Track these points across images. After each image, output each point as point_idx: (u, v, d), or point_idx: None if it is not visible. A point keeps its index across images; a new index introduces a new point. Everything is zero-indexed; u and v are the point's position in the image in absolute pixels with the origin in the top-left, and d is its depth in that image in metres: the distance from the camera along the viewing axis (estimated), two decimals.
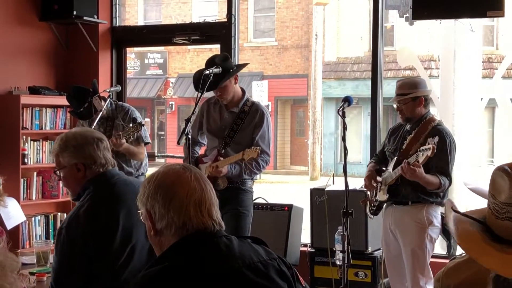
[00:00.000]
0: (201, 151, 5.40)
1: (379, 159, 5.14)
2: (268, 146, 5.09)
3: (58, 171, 3.21)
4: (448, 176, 4.73)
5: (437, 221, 4.83)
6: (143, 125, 5.32)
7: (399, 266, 4.93)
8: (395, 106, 4.95)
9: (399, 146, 4.92)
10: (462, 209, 1.88)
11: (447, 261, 5.45)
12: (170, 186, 2.20)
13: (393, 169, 4.81)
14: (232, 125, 5.10)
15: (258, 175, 5.21)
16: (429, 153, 4.48)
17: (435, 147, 4.49)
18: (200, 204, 2.19)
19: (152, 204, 2.20)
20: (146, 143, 5.71)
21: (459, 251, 5.73)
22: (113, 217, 2.80)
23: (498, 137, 17.11)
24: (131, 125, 5.33)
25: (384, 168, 5.01)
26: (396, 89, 4.92)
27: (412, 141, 4.83)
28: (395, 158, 4.87)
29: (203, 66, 5.09)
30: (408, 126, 4.94)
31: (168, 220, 2.17)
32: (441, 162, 4.70)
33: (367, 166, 5.16)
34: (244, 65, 5.49)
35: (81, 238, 2.99)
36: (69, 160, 3.12)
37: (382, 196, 4.87)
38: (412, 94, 4.83)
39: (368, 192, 5.07)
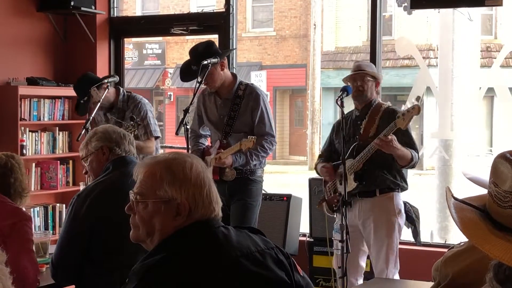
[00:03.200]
0: (207, 142, 5.36)
1: (325, 157, 5.04)
2: (271, 127, 5.01)
3: (85, 159, 3.51)
4: (416, 150, 4.74)
5: (403, 209, 4.87)
6: (139, 124, 5.28)
7: (356, 264, 4.93)
8: (352, 83, 4.85)
9: (352, 133, 4.89)
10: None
11: (414, 247, 5.51)
12: (199, 174, 2.19)
13: (355, 155, 4.77)
14: (229, 112, 5.01)
15: (265, 160, 5.15)
16: (415, 113, 4.49)
17: (419, 106, 4.48)
18: (216, 191, 2.22)
19: (193, 192, 2.16)
20: (156, 137, 5.64)
21: (425, 237, 5.73)
22: (121, 196, 2.81)
23: (496, 126, 17.11)
24: (130, 122, 5.31)
25: (335, 162, 4.94)
26: (355, 68, 4.90)
27: (368, 125, 4.82)
28: (354, 144, 4.81)
29: None
30: (355, 113, 4.92)
31: (199, 211, 2.17)
32: (406, 138, 4.71)
33: (316, 167, 5.05)
34: (229, 50, 5.44)
35: (86, 208, 3.25)
36: (96, 144, 3.44)
37: (349, 186, 4.77)
38: (375, 75, 4.87)
39: (325, 192, 5.01)
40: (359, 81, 4.84)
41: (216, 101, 5.10)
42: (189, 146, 5.08)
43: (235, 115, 5.01)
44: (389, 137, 4.56)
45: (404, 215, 4.87)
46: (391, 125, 4.58)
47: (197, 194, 2.16)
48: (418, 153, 4.76)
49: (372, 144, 4.65)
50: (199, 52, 4.92)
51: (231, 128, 5.01)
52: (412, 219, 4.99)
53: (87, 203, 3.25)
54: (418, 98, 4.59)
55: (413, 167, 4.77)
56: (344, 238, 4.49)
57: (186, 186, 2.15)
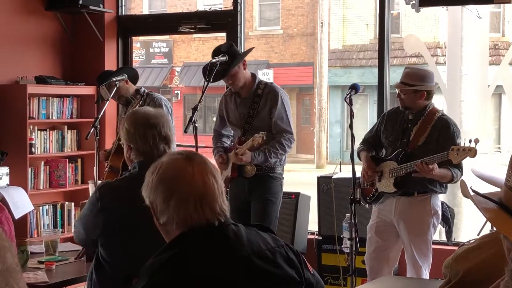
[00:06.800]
0: (229, 141, 5.38)
1: (369, 144, 5.02)
2: (289, 124, 5.05)
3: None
4: (460, 168, 4.66)
5: (440, 210, 4.83)
6: (142, 95, 5.43)
7: (386, 256, 4.91)
8: (397, 91, 4.87)
9: (400, 136, 4.83)
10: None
11: (447, 247, 5.49)
12: (171, 181, 2.16)
13: (399, 161, 4.72)
14: (248, 111, 5.07)
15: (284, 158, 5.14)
16: (470, 155, 4.38)
17: (476, 150, 4.39)
18: (202, 201, 2.15)
19: (154, 198, 2.18)
20: None
21: (463, 238, 5.74)
22: (136, 197, 2.83)
23: (504, 123, 17.06)
24: (137, 95, 5.40)
25: (378, 156, 4.93)
26: (402, 76, 4.80)
27: (419, 133, 4.74)
28: (401, 150, 4.75)
29: (208, 55, 5.11)
30: (409, 115, 4.82)
31: (168, 216, 2.16)
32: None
33: (358, 153, 5.00)
34: (250, 50, 5.46)
35: (97, 211, 3.18)
36: (124, 140, 3.38)
37: (387, 188, 4.78)
38: (415, 87, 4.70)
39: (363, 180, 4.97)
40: (402, 94, 4.77)
41: (236, 100, 5.16)
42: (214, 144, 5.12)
43: (253, 113, 5.06)
44: (431, 166, 4.49)
45: (440, 215, 4.83)
46: (443, 154, 4.50)
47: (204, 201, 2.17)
48: (461, 170, 4.68)
49: (412, 164, 4.59)
50: (221, 52, 4.93)
51: (250, 126, 5.07)
52: (448, 219, 4.97)
53: (98, 207, 3.19)
54: (477, 140, 4.46)
55: (454, 183, 4.74)
56: (353, 236, 4.49)
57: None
